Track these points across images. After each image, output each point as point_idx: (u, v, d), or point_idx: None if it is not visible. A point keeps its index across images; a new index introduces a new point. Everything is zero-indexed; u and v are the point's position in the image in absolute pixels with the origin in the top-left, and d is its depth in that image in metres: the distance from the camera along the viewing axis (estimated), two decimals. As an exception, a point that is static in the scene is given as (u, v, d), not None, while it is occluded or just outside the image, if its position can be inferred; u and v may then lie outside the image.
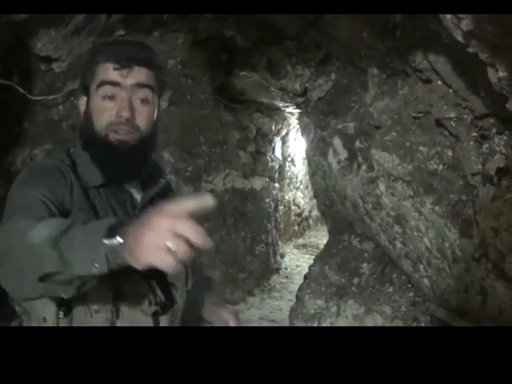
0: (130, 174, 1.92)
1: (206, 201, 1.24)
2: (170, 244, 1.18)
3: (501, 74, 2.46)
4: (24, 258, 1.38)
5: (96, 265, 1.30)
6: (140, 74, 1.83)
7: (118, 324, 1.81)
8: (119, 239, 1.27)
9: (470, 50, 2.50)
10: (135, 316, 1.84)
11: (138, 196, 1.99)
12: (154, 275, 1.88)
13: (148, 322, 1.87)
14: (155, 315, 1.88)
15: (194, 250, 1.20)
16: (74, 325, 1.75)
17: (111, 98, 1.82)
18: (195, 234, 1.19)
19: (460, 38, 2.49)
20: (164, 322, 1.93)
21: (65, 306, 1.74)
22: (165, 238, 1.19)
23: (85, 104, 1.91)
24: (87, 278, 1.40)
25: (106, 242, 1.28)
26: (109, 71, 1.81)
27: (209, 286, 2.53)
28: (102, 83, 1.82)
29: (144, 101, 1.85)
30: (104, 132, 1.81)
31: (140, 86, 1.83)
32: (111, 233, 1.29)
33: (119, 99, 1.81)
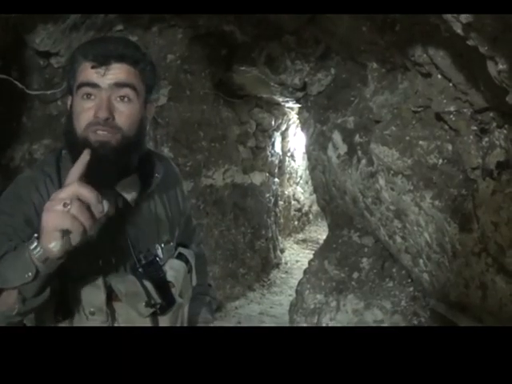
0: (114, 176, 1.83)
1: (84, 158, 1.46)
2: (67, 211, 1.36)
3: (500, 66, 2.45)
4: None
5: (29, 273, 1.43)
6: (119, 72, 1.76)
7: (115, 325, 1.82)
8: (35, 235, 1.42)
9: (470, 42, 2.49)
10: (132, 318, 1.84)
11: (133, 196, 1.94)
12: (150, 276, 1.88)
13: (146, 323, 1.87)
14: (153, 316, 1.88)
15: (86, 207, 1.39)
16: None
17: (89, 97, 1.75)
18: (80, 190, 1.39)
19: (459, 31, 2.48)
20: (164, 322, 1.93)
21: (63, 310, 1.75)
22: (57, 202, 1.38)
23: (70, 104, 1.85)
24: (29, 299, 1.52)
25: (29, 246, 1.42)
26: (87, 70, 1.75)
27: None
28: (81, 84, 1.76)
29: (124, 99, 1.77)
30: (84, 134, 1.74)
31: (119, 85, 1.75)
32: (31, 237, 1.44)
33: (97, 99, 1.74)
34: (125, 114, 1.77)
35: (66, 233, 1.37)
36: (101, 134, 1.73)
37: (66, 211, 1.35)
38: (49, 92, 4.62)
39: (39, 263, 1.41)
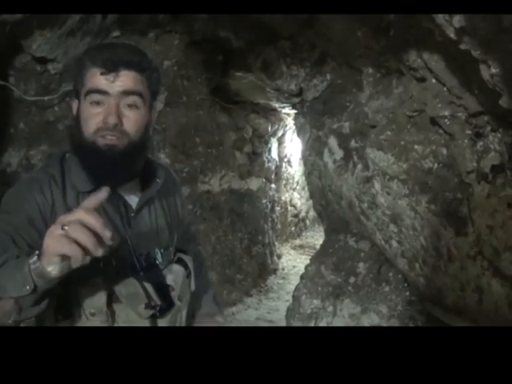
0: (119, 178, 1.90)
1: (103, 194, 1.44)
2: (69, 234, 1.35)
3: (493, 70, 2.47)
4: None
5: (27, 287, 1.42)
6: (128, 79, 1.80)
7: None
8: (36, 251, 1.42)
9: (463, 46, 2.50)
10: (131, 319, 1.84)
11: (134, 199, 1.98)
12: (150, 278, 1.89)
13: (145, 325, 1.87)
14: (152, 318, 1.89)
15: (90, 233, 1.36)
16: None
17: (98, 103, 1.79)
18: (85, 217, 1.37)
19: (452, 35, 2.50)
20: (163, 324, 1.93)
21: (63, 310, 1.76)
22: (58, 227, 1.36)
23: (76, 108, 1.89)
24: (26, 308, 1.50)
25: (30, 261, 1.41)
26: (96, 77, 1.79)
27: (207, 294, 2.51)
28: (90, 91, 1.80)
29: (132, 106, 1.82)
30: (92, 138, 1.79)
31: (127, 93, 1.80)
32: (33, 252, 1.43)
33: (106, 105, 1.79)
34: (132, 120, 1.82)
35: (65, 257, 1.37)
36: (109, 139, 1.77)
37: (64, 235, 1.35)
38: (46, 98, 4.63)
39: (37, 279, 1.42)
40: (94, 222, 1.37)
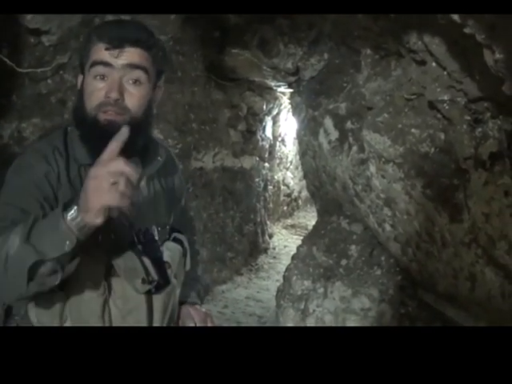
0: (118, 155, 1.90)
1: (123, 134, 1.54)
2: (110, 183, 1.46)
3: (498, 55, 2.43)
4: (7, 269, 1.53)
5: (67, 242, 1.49)
6: (132, 55, 1.82)
7: (110, 301, 1.87)
8: (74, 206, 1.51)
9: (467, 30, 2.46)
10: (128, 293, 1.88)
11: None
12: (148, 254, 1.92)
13: (141, 300, 1.92)
14: (148, 294, 1.93)
15: (131, 183, 1.49)
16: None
17: (102, 77, 1.82)
18: (126, 168, 1.47)
19: (456, 18, 2.45)
20: (157, 300, 1.97)
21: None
22: (104, 179, 1.46)
23: (81, 82, 1.93)
24: (67, 265, 1.58)
25: (65, 214, 1.49)
26: (101, 51, 1.81)
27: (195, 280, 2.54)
28: (94, 63, 1.82)
29: (136, 82, 1.84)
30: (94, 112, 1.82)
31: (132, 66, 1.82)
32: (67, 205, 1.54)
33: (109, 79, 1.81)
34: (135, 96, 1.85)
35: (112, 208, 1.48)
36: (110, 114, 1.81)
37: (114, 189, 1.45)
38: (39, 70, 4.59)
39: (78, 232, 1.50)
40: (133, 173, 1.49)
